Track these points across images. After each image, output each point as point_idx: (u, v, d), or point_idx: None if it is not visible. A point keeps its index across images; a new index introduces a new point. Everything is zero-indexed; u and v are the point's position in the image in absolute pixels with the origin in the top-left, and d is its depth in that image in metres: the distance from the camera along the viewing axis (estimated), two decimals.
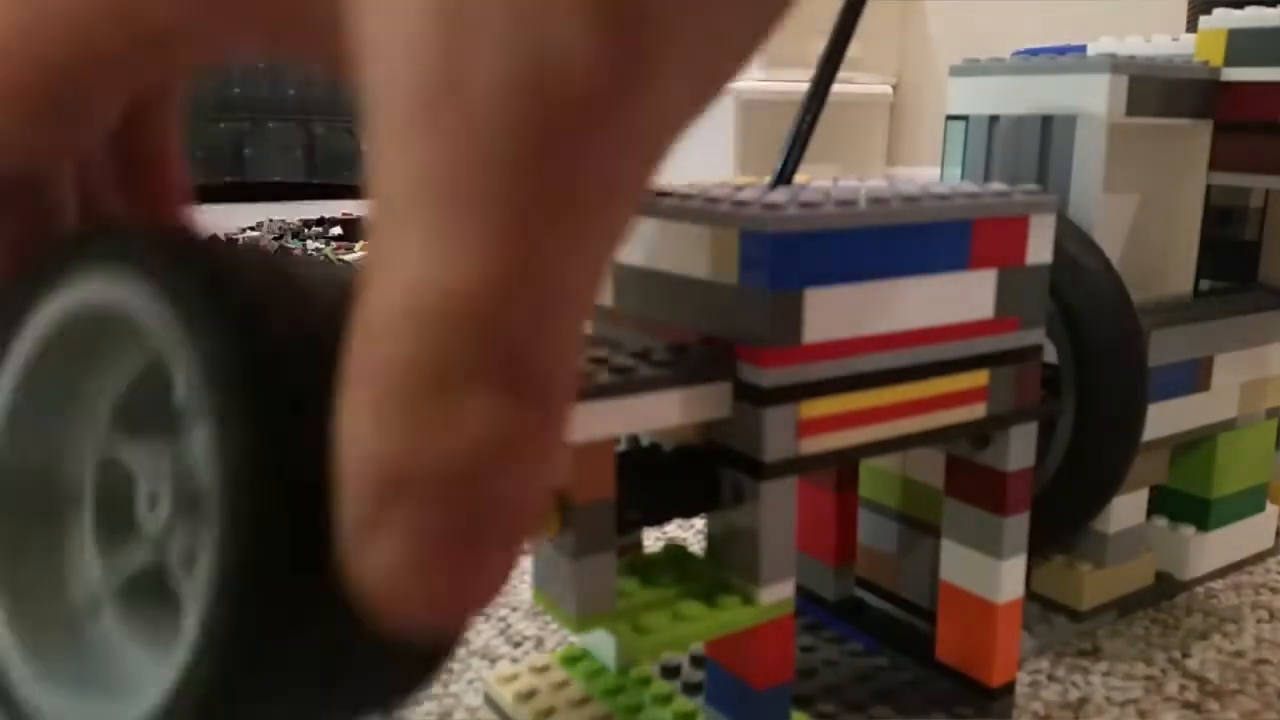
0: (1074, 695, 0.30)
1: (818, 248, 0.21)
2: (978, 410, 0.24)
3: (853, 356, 0.22)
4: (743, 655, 0.22)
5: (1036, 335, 0.25)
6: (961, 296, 0.23)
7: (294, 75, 2.42)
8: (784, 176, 0.25)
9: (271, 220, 1.70)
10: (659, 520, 0.22)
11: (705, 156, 1.79)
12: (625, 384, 0.20)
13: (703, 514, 0.22)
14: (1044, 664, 0.32)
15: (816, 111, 0.25)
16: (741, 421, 0.21)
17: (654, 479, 0.21)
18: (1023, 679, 0.31)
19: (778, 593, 0.21)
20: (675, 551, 0.23)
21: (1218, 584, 0.38)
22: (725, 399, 0.21)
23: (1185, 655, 0.32)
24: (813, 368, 0.21)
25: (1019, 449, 0.25)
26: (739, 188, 0.24)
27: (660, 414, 0.20)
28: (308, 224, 1.63)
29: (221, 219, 1.90)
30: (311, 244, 1.41)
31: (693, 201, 0.22)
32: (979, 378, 0.24)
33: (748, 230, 0.20)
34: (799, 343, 0.21)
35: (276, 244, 1.38)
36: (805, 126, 0.25)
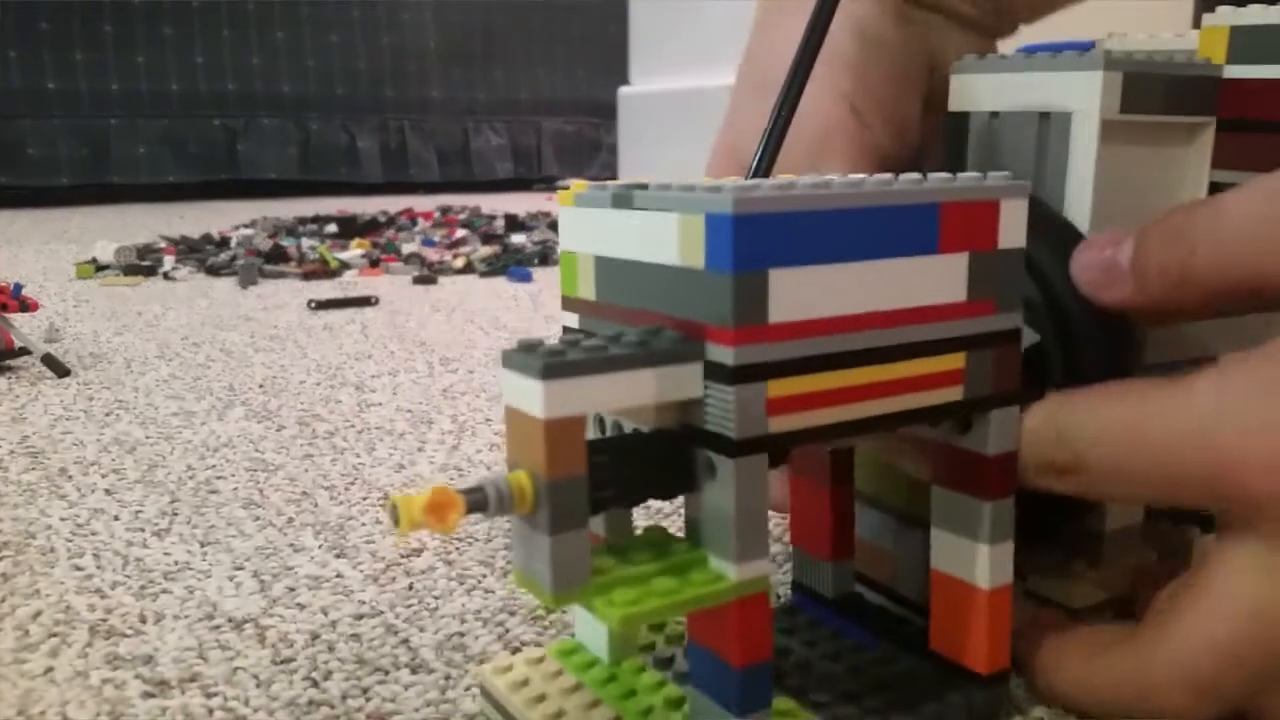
0: None
1: (782, 229, 0.21)
2: (954, 393, 0.24)
3: (821, 337, 0.22)
4: (720, 634, 0.22)
5: (1013, 319, 0.25)
6: (933, 279, 0.23)
7: (289, 71, 2.42)
8: (760, 171, 0.25)
9: (265, 217, 1.69)
10: (633, 500, 0.23)
11: (704, 154, 1.78)
12: (596, 362, 0.20)
13: (679, 495, 0.23)
14: None
15: (792, 106, 0.25)
16: (712, 400, 0.22)
17: (626, 458, 0.22)
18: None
19: (753, 570, 0.22)
20: (654, 533, 0.24)
21: None
22: (696, 379, 0.22)
23: None
24: (780, 347, 0.21)
25: (1000, 432, 0.25)
26: (718, 180, 0.24)
27: (631, 393, 0.21)
28: (302, 221, 1.63)
29: (215, 216, 1.90)
30: (306, 241, 1.40)
31: (667, 191, 0.22)
32: (955, 360, 0.24)
33: (712, 214, 0.21)
34: (765, 322, 0.21)
35: (270, 241, 1.37)
36: (780, 121, 0.25)
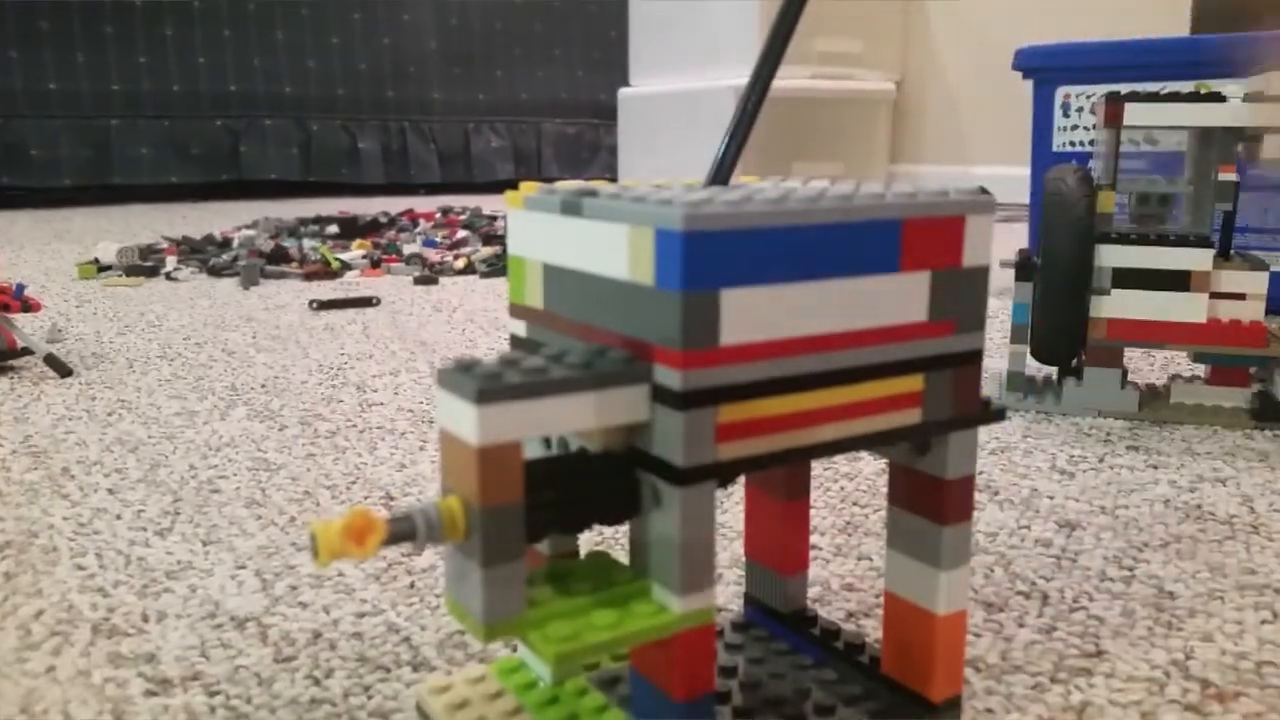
0: (1076, 698, 0.30)
1: (735, 247, 0.20)
2: (912, 415, 0.23)
3: (775, 359, 0.21)
4: (662, 665, 0.22)
5: (975, 340, 0.24)
6: (893, 299, 0.22)
7: (290, 72, 2.42)
8: (720, 176, 0.24)
9: (267, 218, 1.69)
10: (574, 527, 0.22)
11: (704, 155, 1.78)
12: (534, 385, 0.19)
13: (623, 521, 0.22)
14: (1045, 666, 0.32)
15: (755, 110, 0.24)
16: (658, 425, 0.20)
17: (567, 483, 0.21)
18: (1025, 681, 0.31)
19: (697, 602, 0.21)
20: (597, 559, 0.23)
21: (1221, 585, 0.37)
22: (642, 402, 0.21)
23: (1188, 657, 0.32)
24: (732, 370, 0.20)
25: (959, 456, 0.24)
26: (669, 187, 0.23)
27: (571, 417, 0.20)
28: (303, 222, 1.63)
29: (217, 216, 1.89)
30: (308, 242, 1.41)
31: (617, 201, 0.21)
32: (913, 382, 0.23)
33: (662, 230, 0.20)
34: (716, 345, 0.20)
35: (272, 241, 1.37)
36: (743, 124, 0.24)
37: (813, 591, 0.37)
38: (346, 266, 1.24)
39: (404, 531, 0.19)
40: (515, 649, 0.32)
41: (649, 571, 0.22)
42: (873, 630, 0.34)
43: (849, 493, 0.47)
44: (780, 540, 0.30)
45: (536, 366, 0.20)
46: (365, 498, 0.47)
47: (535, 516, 0.20)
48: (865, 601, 0.36)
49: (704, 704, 0.22)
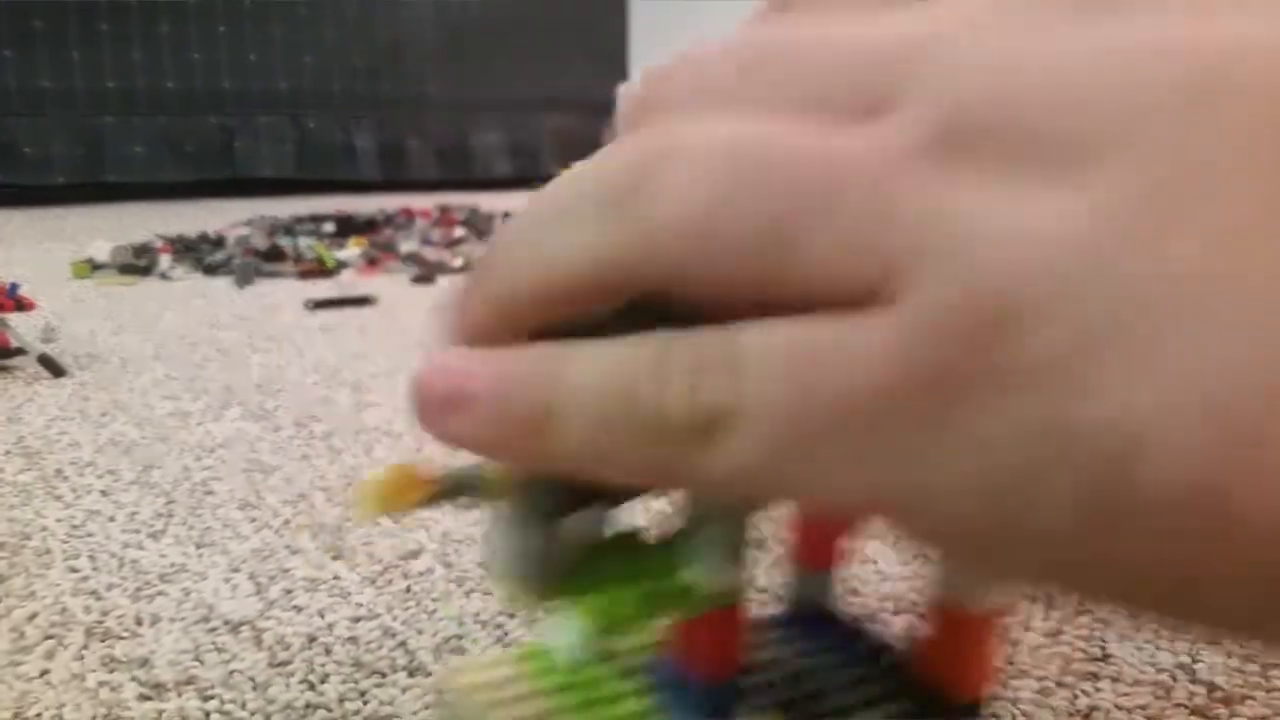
0: (1083, 703, 0.29)
1: None
2: None
3: None
4: (686, 648, 0.22)
5: None
6: None
7: (285, 68, 2.41)
8: None
9: (262, 216, 1.68)
10: (614, 500, 0.22)
11: None
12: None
13: (660, 492, 0.22)
14: (1052, 670, 0.31)
15: None
16: None
17: None
18: (1031, 685, 0.30)
19: (723, 582, 0.21)
20: (625, 536, 0.23)
21: None
22: None
23: (1195, 660, 0.32)
24: None
25: None
26: None
27: None
28: (299, 220, 1.62)
29: (212, 215, 1.89)
30: (303, 240, 1.40)
31: None
32: None
33: None
34: None
35: (268, 240, 1.37)
36: None
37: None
38: (342, 265, 1.23)
39: (445, 490, 0.19)
40: (536, 637, 0.32)
41: (677, 550, 0.21)
42: (898, 630, 0.33)
43: None
44: (806, 536, 0.30)
45: None
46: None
47: (578, 484, 0.20)
48: (871, 604, 0.36)
49: (728, 689, 0.22)
